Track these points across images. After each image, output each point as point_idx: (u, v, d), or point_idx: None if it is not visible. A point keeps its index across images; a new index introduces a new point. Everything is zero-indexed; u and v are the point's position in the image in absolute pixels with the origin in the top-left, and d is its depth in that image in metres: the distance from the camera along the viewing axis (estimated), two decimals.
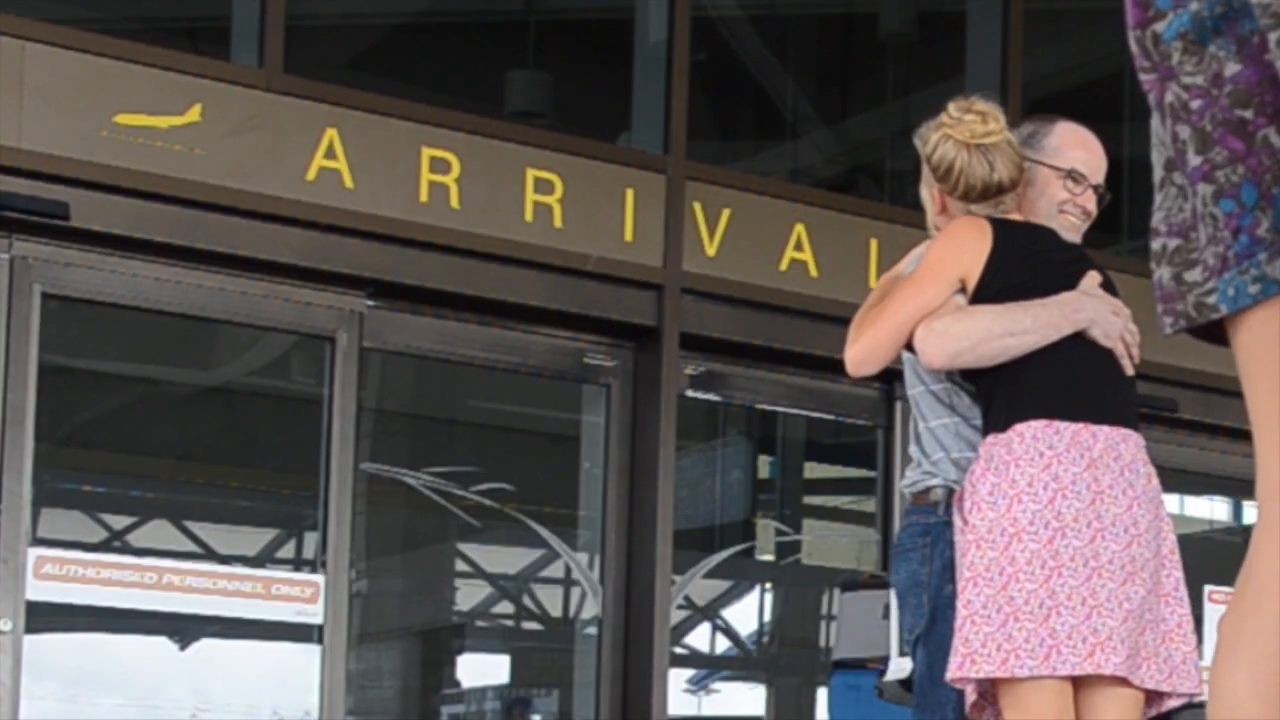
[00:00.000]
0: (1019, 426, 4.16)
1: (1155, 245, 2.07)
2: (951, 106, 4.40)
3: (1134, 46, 2.04)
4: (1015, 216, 4.41)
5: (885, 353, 4.34)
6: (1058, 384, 4.21)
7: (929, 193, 4.48)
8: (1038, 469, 4.12)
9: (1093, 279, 4.35)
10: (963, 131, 4.34)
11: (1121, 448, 4.18)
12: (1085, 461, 4.13)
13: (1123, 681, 4.13)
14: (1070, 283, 4.34)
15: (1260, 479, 2.02)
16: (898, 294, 4.34)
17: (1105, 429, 4.18)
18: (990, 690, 4.18)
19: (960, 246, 4.31)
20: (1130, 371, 4.33)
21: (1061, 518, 4.09)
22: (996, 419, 4.22)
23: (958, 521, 4.22)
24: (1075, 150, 4.47)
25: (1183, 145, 2.01)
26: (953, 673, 4.13)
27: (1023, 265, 4.31)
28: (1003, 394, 4.23)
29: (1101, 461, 4.14)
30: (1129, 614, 4.09)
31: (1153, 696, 4.22)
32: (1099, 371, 4.28)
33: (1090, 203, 4.47)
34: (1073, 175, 4.44)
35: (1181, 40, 2.00)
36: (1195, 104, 1.99)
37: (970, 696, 4.17)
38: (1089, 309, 4.27)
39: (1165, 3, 2.01)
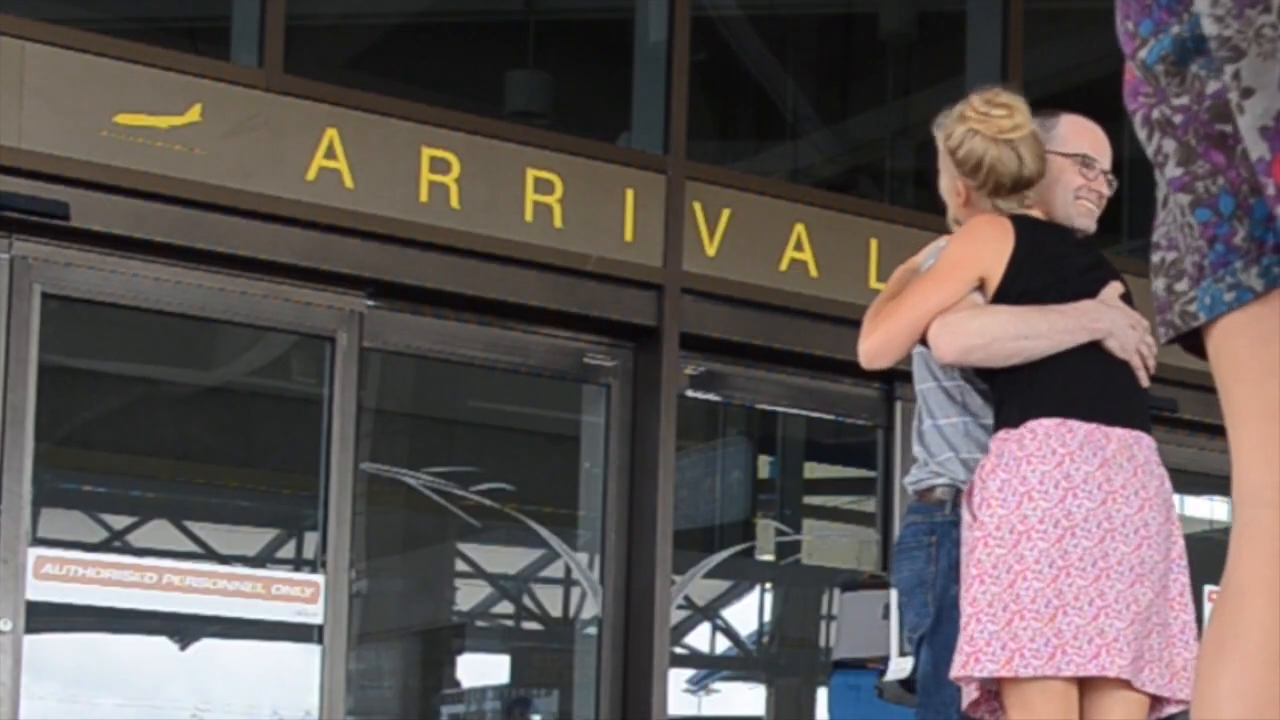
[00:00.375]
0: (1032, 423, 4.14)
1: (1155, 259, 2.11)
2: (976, 100, 4.36)
3: (1138, 73, 2.07)
4: (1036, 212, 4.39)
5: (899, 347, 4.33)
6: (1073, 384, 4.19)
7: (952, 185, 4.43)
8: (1050, 466, 4.10)
9: (1114, 290, 4.33)
10: (991, 127, 4.32)
11: (1135, 449, 4.17)
12: (1098, 461, 4.11)
13: (1128, 684, 4.11)
14: (1090, 289, 4.32)
15: (1236, 484, 2.04)
16: (915, 289, 4.32)
17: (1119, 430, 4.16)
18: (995, 689, 4.17)
19: (981, 245, 4.29)
20: (1145, 383, 4.31)
21: (1072, 517, 4.07)
22: (1009, 415, 4.20)
23: (966, 517, 4.20)
24: (1083, 137, 4.50)
25: (1164, 158, 2.06)
26: (956, 671, 4.11)
27: (1044, 267, 4.29)
28: (1017, 391, 4.21)
29: (1114, 462, 4.12)
30: (1136, 616, 4.07)
31: (1153, 701, 4.20)
32: (1114, 375, 4.26)
33: (1104, 187, 4.49)
34: (1085, 160, 4.46)
35: (1163, 63, 2.04)
36: (1178, 119, 2.02)
37: (971, 695, 4.15)
38: (1107, 321, 4.26)
39: (1147, 29, 2.05)
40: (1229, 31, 1.91)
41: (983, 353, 4.25)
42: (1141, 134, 2.08)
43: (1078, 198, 4.46)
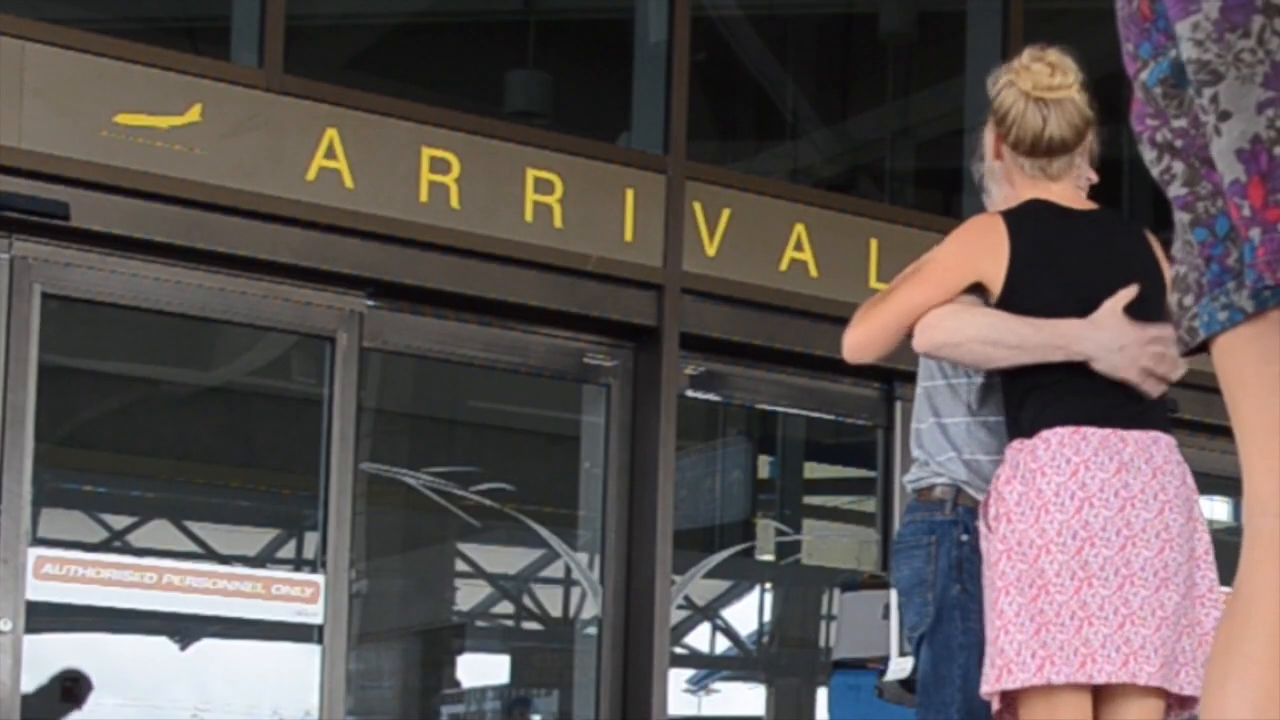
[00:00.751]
0: (1045, 433, 4.08)
1: (1172, 272, 2.15)
2: (1026, 52, 4.25)
3: (1140, 95, 2.11)
4: (1060, 184, 4.27)
5: (880, 344, 4.27)
6: (1085, 388, 4.11)
7: (988, 135, 4.35)
8: (1064, 477, 4.04)
9: (1116, 303, 4.18)
10: (1026, 80, 4.20)
11: (1153, 449, 4.10)
12: (1114, 466, 4.05)
13: (1146, 689, 4.05)
14: (1105, 281, 4.20)
15: (1246, 496, 2.07)
16: (901, 286, 4.27)
17: (1135, 433, 4.09)
18: (1012, 699, 4.13)
19: (973, 250, 4.22)
20: (1154, 394, 4.16)
21: (1090, 527, 4.01)
22: (1022, 424, 4.15)
23: (982, 528, 4.17)
24: None
25: (1170, 177, 2.10)
26: (990, 686, 4.07)
27: (1050, 264, 4.19)
28: (1030, 398, 4.15)
29: (1132, 465, 4.06)
30: (1163, 621, 4.02)
31: (1183, 701, 4.14)
32: None
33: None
34: None
35: (1162, 85, 2.08)
36: (1178, 143, 2.06)
37: (996, 704, 4.12)
38: (1090, 344, 4.15)
39: (1147, 51, 2.08)
40: (1208, 55, 1.93)
41: (952, 351, 4.22)
42: (1150, 155, 2.11)
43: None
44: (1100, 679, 4.01)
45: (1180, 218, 2.09)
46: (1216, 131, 1.94)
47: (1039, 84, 4.20)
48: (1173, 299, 2.14)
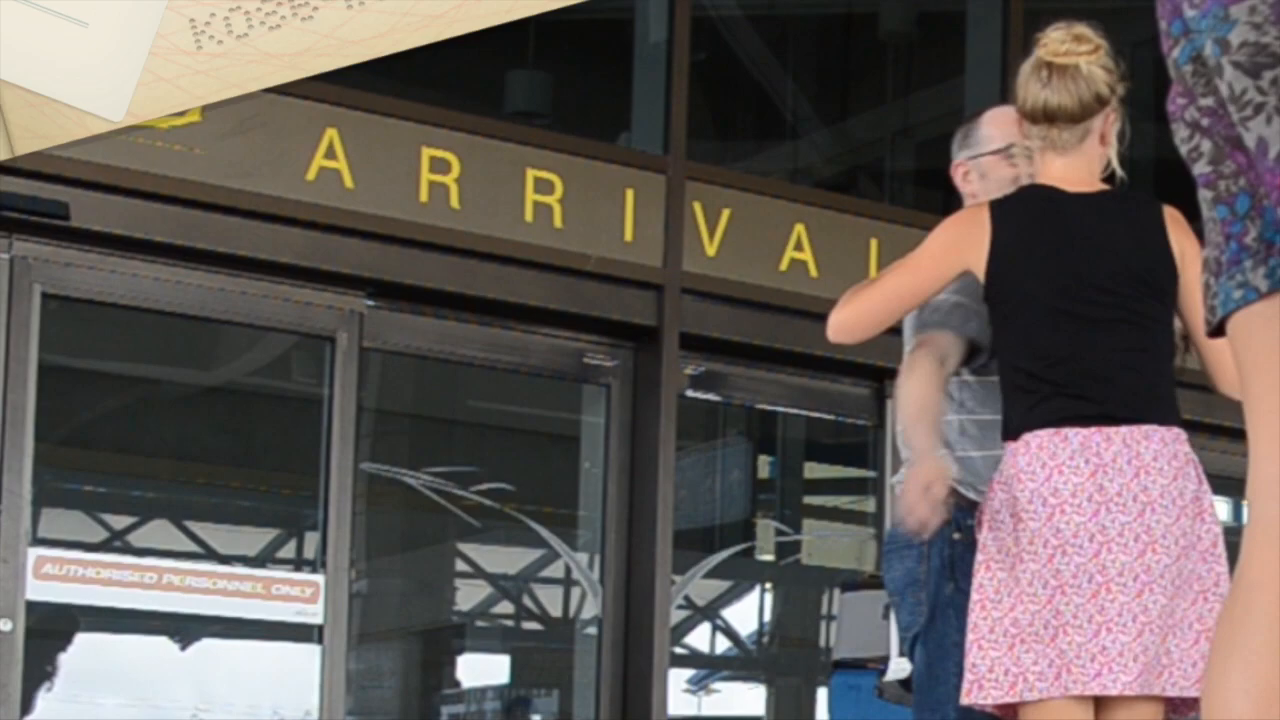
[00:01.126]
0: (1027, 435, 4.05)
1: (1204, 254, 2.16)
2: (1055, 24, 4.16)
3: (1172, 74, 2.12)
4: (1063, 162, 4.19)
5: (862, 327, 4.26)
6: (1073, 385, 4.06)
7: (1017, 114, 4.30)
8: (1038, 483, 4.00)
9: (927, 476, 4.03)
10: (1043, 48, 4.12)
11: (1142, 447, 4.03)
12: (1089, 470, 3.99)
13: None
14: (1104, 261, 4.14)
15: (1251, 478, 2.06)
16: (890, 273, 4.29)
17: (1123, 430, 4.03)
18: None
19: (961, 243, 4.20)
20: (923, 532, 4.09)
21: (1061, 534, 3.97)
22: (1009, 425, 4.13)
23: (978, 536, 4.17)
24: (1008, 128, 4.40)
25: (1198, 155, 2.10)
26: (963, 699, 4.08)
27: (1033, 252, 4.14)
28: (1015, 398, 4.12)
29: (1112, 467, 3.99)
30: (1145, 626, 3.95)
31: (1188, 701, 4.06)
32: (1127, 367, 4.10)
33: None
34: (1009, 151, 4.41)
35: (1192, 64, 2.07)
36: (1205, 121, 2.06)
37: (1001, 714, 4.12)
38: (923, 462, 4.09)
39: (1178, 29, 2.08)
40: (1267, 38, 1.94)
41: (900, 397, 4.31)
42: (1182, 134, 2.12)
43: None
44: (1075, 690, 3.96)
45: (1203, 195, 2.09)
46: (1278, 112, 1.93)
47: (1048, 50, 4.12)
48: (1204, 279, 2.14)
